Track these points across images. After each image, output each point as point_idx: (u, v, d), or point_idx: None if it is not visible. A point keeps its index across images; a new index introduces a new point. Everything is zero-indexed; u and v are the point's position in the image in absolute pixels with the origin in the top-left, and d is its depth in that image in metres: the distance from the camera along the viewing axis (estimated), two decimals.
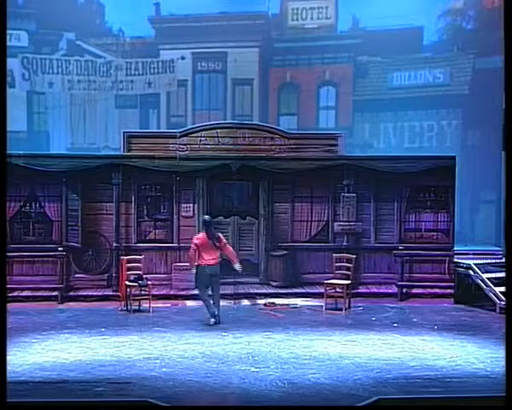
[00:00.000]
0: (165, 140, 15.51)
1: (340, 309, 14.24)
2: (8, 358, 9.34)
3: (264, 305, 14.77)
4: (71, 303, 14.77)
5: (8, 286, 14.15)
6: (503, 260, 14.91)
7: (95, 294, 14.97)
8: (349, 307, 14.42)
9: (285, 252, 15.58)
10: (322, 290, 14.56)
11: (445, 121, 23.30)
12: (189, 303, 14.92)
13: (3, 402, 6.67)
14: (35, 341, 11.36)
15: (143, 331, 12.20)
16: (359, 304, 14.78)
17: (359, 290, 15.28)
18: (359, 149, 22.37)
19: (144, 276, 14.42)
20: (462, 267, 15.51)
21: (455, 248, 15.65)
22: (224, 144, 15.45)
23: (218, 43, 23.97)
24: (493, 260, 15.81)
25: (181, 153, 15.27)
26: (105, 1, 25.12)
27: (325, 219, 15.69)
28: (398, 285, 15.39)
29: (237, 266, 13.31)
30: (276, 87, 24.78)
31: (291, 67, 24.59)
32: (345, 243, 15.52)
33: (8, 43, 19.58)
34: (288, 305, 14.78)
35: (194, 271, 13.11)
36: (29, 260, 14.89)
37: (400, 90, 23.83)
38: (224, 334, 11.97)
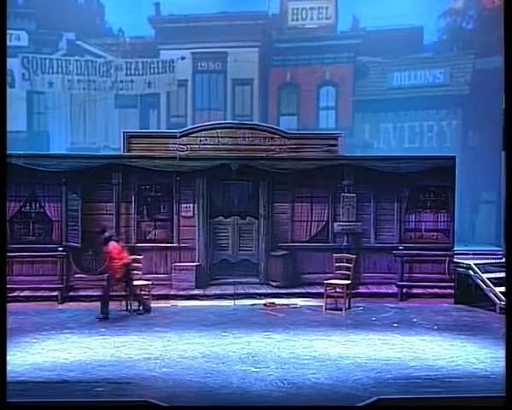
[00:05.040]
0: (165, 140, 15.55)
1: (340, 309, 14.25)
2: (8, 358, 9.34)
3: (264, 305, 14.77)
4: (71, 303, 14.80)
5: (8, 286, 14.14)
6: (503, 260, 14.95)
7: (95, 294, 14.93)
8: (349, 307, 14.44)
9: (285, 252, 15.60)
10: (322, 290, 14.56)
11: (444, 121, 23.31)
12: (189, 303, 14.90)
13: (3, 402, 6.68)
14: (35, 341, 11.39)
15: (143, 331, 12.22)
16: (359, 304, 14.80)
17: (359, 290, 15.30)
18: (359, 150, 22.35)
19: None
20: (462, 267, 15.53)
21: (455, 249, 15.68)
22: (223, 144, 15.49)
23: (218, 43, 23.97)
24: (493, 260, 15.83)
25: (181, 153, 15.30)
26: (105, 1, 25.12)
27: (325, 219, 15.71)
28: (398, 285, 15.40)
29: None
30: (276, 87, 24.79)
31: (291, 67, 24.59)
32: (345, 243, 15.55)
33: (8, 43, 19.59)
34: (288, 305, 14.79)
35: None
36: (29, 260, 14.91)
37: (400, 91, 23.82)
38: (224, 334, 11.99)
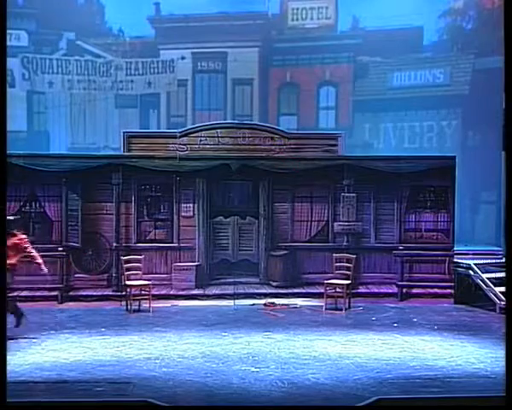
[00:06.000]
0: (165, 140, 15.58)
1: (340, 309, 14.28)
2: (8, 358, 9.32)
3: (264, 305, 14.78)
4: (71, 303, 14.82)
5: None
6: (503, 260, 14.95)
7: (94, 294, 15.02)
8: (349, 307, 14.45)
9: (285, 252, 15.63)
10: (322, 290, 14.59)
11: (444, 121, 23.29)
12: (190, 303, 14.92)
13: (3, 402, 6.68)
14: (35, 341, 11.40)
15: (143, 331, 12.23)
16: (359, 304, 14.81)
17: (359, 290, 15.32)
18: (359, 150, 22.34)
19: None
20: (462, 267, 15.56)
21: (455, 249, 15.69)
22: (224, 144, 15.51)
23: (218, 43, 23.99)
24: (493, 260, 15.85)
25: (181, 153, 15.33)
26: (105, 1, 25.11)
27: (325, 219, 15.74)
28: (398, 285, 15.43)
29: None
30: (276, 87, 24.80)
31: (291, 67, 24.59)
32: (345, 243, 15.58)
33: (8, 43, 19.52)
34: (287, 305, 14.80)
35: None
36: (29, 260, 14.89)
37: (400, 91, 23.82)
38: (224, 334, 12.01)
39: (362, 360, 10.26)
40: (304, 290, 15.37)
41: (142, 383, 8.96)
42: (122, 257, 14.69)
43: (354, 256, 14.76)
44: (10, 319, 10.95)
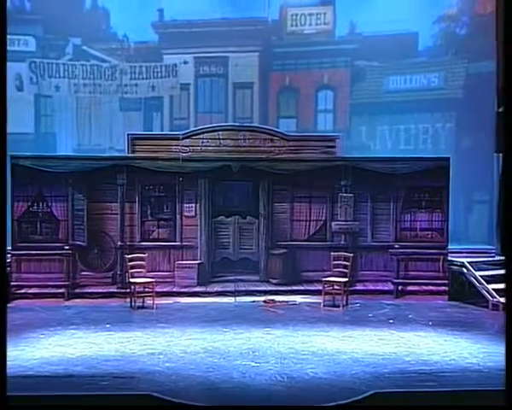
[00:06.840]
0: (169, 142, 15.73)
1: (338, 306, 14.43)
2: (17, 353, 9.75)
3: (264, 302, 14.92)
4: (77, 300, 14.96)
5: (17, 283, 14.56)
6: (496, 258, 15.25)
7: (100, 291, 15.18)
8: (346, 303, 14.60)
9: (284, 250, 15.81)
10: (320, 288, 14.75)
11: (439, 124, 23.35)
12: (192, 300, 15.11)
13: (3, 398, 6.77)
14: (42, 336, 11.58)
15: (147, 327, 12.37)
16: (356, 301, 14.95)
17: (356, 288, 15.45)
18: (356, 151, 22.38)
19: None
20: (456, 265, 15.66)
21: (449, 247, 15.80)
22: (225, 146, 15.68)
23: (220, 48, 23.97)
24: (486, 259, 15.98)
25: (183, 154, 15.51)
26: (110, 7, 25.13)
27: (323, 218, 15.93)
28: (393, 283, 15.57)
29: None
30: (275, 91, 24.79)
31: (290, 72, 24.56)
32: (342, 242, 15.75)
33: (16, 48, 19.77)
34: (287, 302, 14.95)
35: None
36: (37, 258, 15.09)
37: (396, 94, 23.79)
38: (225, 330, 12.15)
39: (359, 355, 10.40)
40: (303, 288, 15.49)
41: (146, 378, 9.11)
42: (126, 255, 14.87)
43: (351, 255, 14.90)
44: (19, 315, 11.14)
